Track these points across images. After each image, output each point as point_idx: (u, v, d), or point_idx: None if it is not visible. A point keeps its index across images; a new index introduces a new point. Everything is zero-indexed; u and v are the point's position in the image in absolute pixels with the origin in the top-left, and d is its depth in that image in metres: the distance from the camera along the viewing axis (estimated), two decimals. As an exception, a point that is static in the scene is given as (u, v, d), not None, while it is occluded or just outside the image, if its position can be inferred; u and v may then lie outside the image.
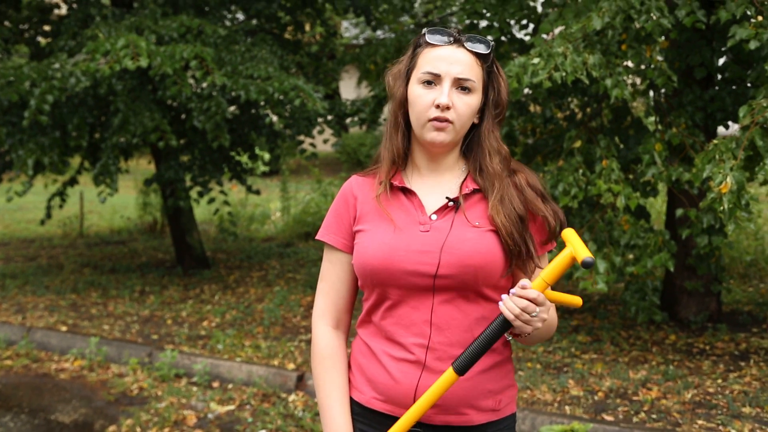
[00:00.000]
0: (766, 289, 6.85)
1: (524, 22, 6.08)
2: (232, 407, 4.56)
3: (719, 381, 4.58)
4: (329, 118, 7.11)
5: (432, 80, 1.62)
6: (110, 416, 4.45)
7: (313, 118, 6.97)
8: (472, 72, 1.62)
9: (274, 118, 7.46)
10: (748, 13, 4.28)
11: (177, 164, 7.11)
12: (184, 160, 7.43)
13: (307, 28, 8.98)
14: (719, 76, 5.32)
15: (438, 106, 1.59)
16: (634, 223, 4.77)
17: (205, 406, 4.58)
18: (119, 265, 8.43)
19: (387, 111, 1.80)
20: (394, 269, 1.59)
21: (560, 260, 1.48)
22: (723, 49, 5.12)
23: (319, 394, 1.70)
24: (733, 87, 5.18)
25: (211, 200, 7.61)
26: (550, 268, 1.49)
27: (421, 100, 1.62)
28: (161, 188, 7.91)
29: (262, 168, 11.02)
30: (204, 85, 6.31)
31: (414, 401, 1.60)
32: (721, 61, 5.32)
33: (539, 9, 5.96)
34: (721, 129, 8.62)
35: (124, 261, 8.78)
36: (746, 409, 4.15)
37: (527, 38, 6.13)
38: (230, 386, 4.90)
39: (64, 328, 6.02)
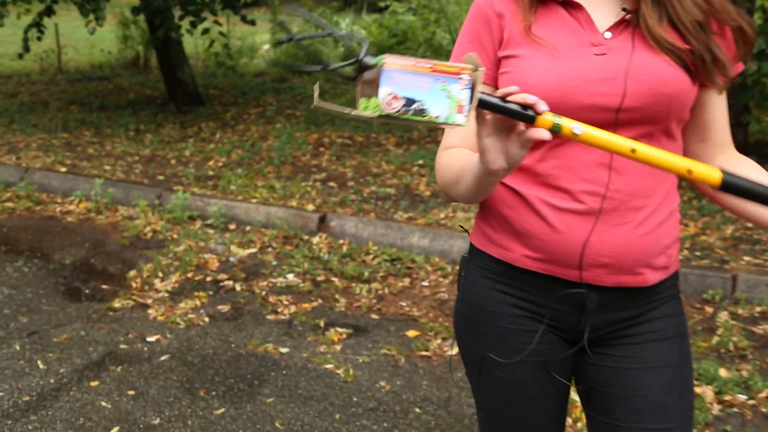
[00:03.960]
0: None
1: None
2: (253, 250, 4.34)
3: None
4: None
5: None
6: (128, 260, 4.20)
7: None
8: None
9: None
10: None
11: (166, -10, 6.45)
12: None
13: None
14: None
15: None
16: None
17: (226, 249, 4.35)
18: (108, 102, 7.93)
19: None
20: (567, 103, 1.24)
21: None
22: None
23: (453, 169, 1.34)
24: None
25: (206, 31, 7.02)
26: None
27: None
28: (148, 19, 7.27)
29: (245, -2, 10.27)
30: None
31: (581, 260, 1.31)
32: None
33: None
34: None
35: (112, 98, 8.27)
36: (791, 248, 4.01)
37: None
38: (248, 228, 4.65)
39: (63, 169, 5.65)
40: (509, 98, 1.05)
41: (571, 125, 1.06)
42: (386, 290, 3.83)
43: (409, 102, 0.97)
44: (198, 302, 3.68)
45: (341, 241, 4.43)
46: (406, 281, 3.94)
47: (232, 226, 4.69)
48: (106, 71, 10.15)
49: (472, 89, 1.00)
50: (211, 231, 4.60)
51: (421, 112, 0.98)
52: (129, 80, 9.39)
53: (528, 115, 1.04)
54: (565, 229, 1.30)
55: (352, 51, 1.02)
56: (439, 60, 1.00)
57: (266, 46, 11.05)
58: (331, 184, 5.33)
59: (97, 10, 6.00)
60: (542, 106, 1.04)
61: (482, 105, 1.02)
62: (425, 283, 3.92)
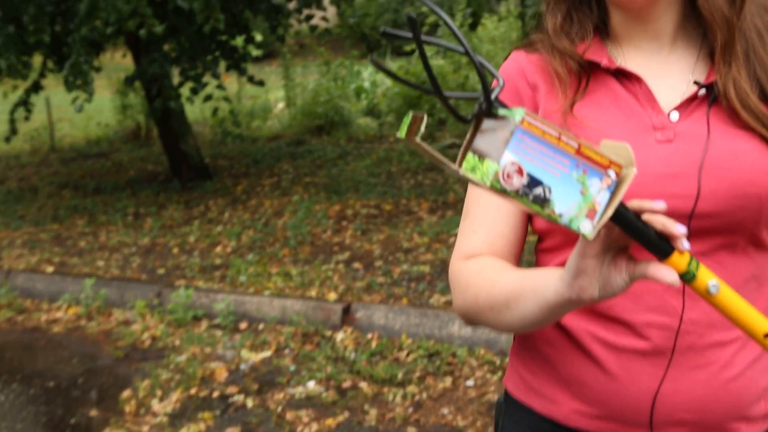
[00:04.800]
0: None
1: None
2: (268, 353, 4.20)
3: None
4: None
5: None
6: (122, 377, 4.07)
7: (323, -15, 6.30)
8: None
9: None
10: None
11: (161, 56, 6.51)
12: (169, 50, 6.81)
13: None
14: None
15: None
16: None
17: (236, 354, 4.20)
18: (104, 183, 7.97)
19: None
20: None
21: None
22: None
23: (495, 293, 1.11)
24: None
25: (208, 97, 7.05)
26: None
27: None
28: (145, 87, 7.34)
29: (255, 52, 10.38)
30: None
31: (651, 417, 1.12)
32: None
33: None
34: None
35: (109, 177, 8.32)
36: None
37: None
38: (261, 327, 4.52)
39: (50, 269, 5.61)
40: (647, 217, 0.88)
41: (709, 279, 0.90)
42: (424, 394, 3.64)
43: (533, 183, 0.82)
44: (203, 425, 3.52)
45: (369, 336, 4.27)
46: (448, 381, 3.75)
47: (242, 325, 4.56)
48: (103, 147, 10.28)
49: (613, 192, 0.84)
50: (218, 333, 4.47)
51: (543, 201, 0.82)
52: (129, 155, 9.48)
53: (662, 248, 0.88)
54: (626, 376, 1.12)
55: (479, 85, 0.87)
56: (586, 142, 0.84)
57: (281, 105, 11.11)
58: (356, 265, 5.20)
59: (85, 84, 6.04)
60: (686, 243, 0.88)
61: (616, 218, 0.86)
62: (470, 383, 3.74)
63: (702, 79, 1.13)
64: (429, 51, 10.70)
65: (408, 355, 4.04)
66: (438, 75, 9.73)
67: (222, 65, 7.17)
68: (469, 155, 0.82)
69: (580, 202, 0.83)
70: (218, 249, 5.76)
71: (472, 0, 5.79)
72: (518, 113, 0.81)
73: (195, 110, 10.90)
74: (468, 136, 0.85)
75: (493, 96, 0.83)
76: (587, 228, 0.83)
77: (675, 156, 1.08)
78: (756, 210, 1.07)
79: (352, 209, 6.46)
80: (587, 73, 1.16)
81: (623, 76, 1.15)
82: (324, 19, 6.94)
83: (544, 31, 1.21)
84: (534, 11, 4.76)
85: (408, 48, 11.33)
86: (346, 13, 6.85)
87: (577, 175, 0.82)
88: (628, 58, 1.17)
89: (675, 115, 1.11)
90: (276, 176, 7.78)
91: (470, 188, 1.23)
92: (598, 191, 0.83)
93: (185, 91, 7.27)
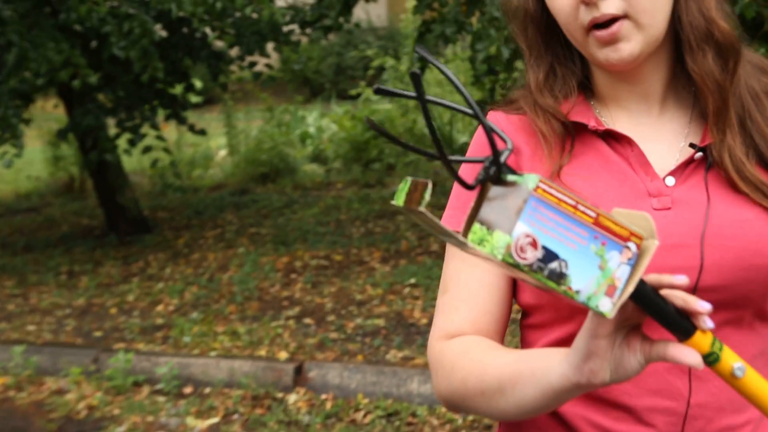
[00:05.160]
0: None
1: None
2: (215, 420, 4.06)
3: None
4: (292, 28, 6.40)
5: None
6: (57, 452, 3.88)
7: (265, 31, 6.26)
8: None
9: (211, 34, 6.72)
10: None
11: (96, 107, 6.40)
12: (104, 100, 6.69)
13: None
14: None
15: (585, 2, 1.02)
16: None
17: (180, 422, 4.06)
18: (35, 240, 7.74)
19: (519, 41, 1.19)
20: None
21: None
22: None
23: (486, 378, 1.03)
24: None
25: (147, 149, 6.92)
26: None
27: (558, 3, 1.06)
28: (79, 138, 7.18)
29: (195, 99, 10.28)
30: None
31: None
32: None
33: None
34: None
35: (41, 234, 8.08)
36: None
37: None
38: (208, 391, 4.38)
39: (-24, 335, 5.39)
40: (666, 293, 0.82)
41: (734, 361, 0.84)
42: (384, 460, 3.53)
43: (549, 257, 0.76)
44: (145, 504, 3.35)
45: (323, 396, 4.17)
46: (409, 443, 3.65)
47: (187, 390, 4.42)
48: (34, 201, 10.02)
49: (634, 267, 0.79)
50: (161, 399, 4.32)
51: (559, 276, 0.76)
52: (61, 209, 9.24)
53: (684, 327, 0.82)
54: None
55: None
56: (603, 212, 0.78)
57: (223, 152, 11.00)
58: (307, 320, 5.09)
59: (13, 138, 5.87)
60: (710, 321, 0.82)
61: (635, 295, 0.80)
62: (432, 444, 3.64)
63: (697, 141, 1.09)
64: (375, 95, 10.71)
65: (365, 416, 3.94)
66: (385, 119, 9.75)
67: (161, 114, 7.07)
68: (476, 226, 0.77)
69: (599, 278, 0.77)
70: (160, 308, 5.60)
71: (421, 45, 5.77)
72: (531, 180, 0.76)
73: (132, 160, 10.71)
74: (473, 204, 0.79)
75: (502, 159, 0.77)
76: (606, 306, 0.77)
77: (674, 225, 1.03)
78: (763, 282, 1.02)
79: (301, 261, 6.36)
80: (572, 134, 1.11)
81: (612, 138, 1.10)
82: (268, 66, 6.90)
83: (525, 88, 1.16)
84: (485, 55, 4.78)
85: (353, 92, 11.33)
86: (291, 59, 6.81)
87: (595, 248, 0.77)
88: (616, 120, 1.12)
89: (671, 180, 1.07)
90: (219, 228, 7.65)
91: (447, 260, 1.16)
92: (618, 265, 0.78)
93: (122, 142, 7.14)
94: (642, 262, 0.79)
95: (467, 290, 1.12)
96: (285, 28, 6.45)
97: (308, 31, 6.52)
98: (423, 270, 5.72)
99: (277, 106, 10.70)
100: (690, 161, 1.07)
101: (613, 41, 1.03)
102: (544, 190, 0.76)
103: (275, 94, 14.63)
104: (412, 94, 0.76)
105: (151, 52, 5.33)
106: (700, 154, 1.07)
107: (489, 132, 0.76)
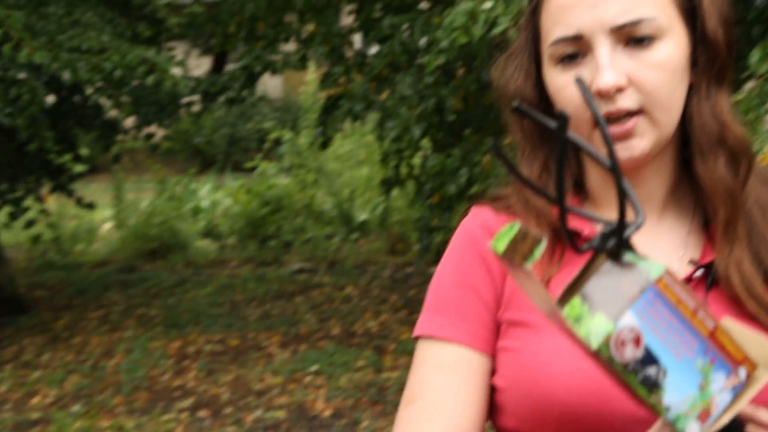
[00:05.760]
0: None
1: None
2: None
3: None
4: (193, 99, 6.22)
5: (574, 51, 1.00)
6: None
7: (165, 102, 6.07)
8: (644, 0, 0.99)
9: (107, 103, 6.49)
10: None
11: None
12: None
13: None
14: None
15: (600, 94, 0.97)
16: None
17: None
18: None
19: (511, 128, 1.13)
20: (607, 414, 0.95)
21: None
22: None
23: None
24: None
25: (30, 223, 6.55)
26: None
27: (567, 94, 1.00)
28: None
29: (79, 168, 9.88)
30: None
31: None
32: None
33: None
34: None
35: None
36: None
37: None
38: (90, 496, 4.02)
39: None
40: (752, 430, 0.77)
41: None
42: None
43: (648, 360, 0.68)
44: None
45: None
46: None
47: (66, 496, 4.04)
48: None
49: (736, 395, 0.72)
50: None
51: (653, 385, 0.68)
52: (-73, 285, 8.61)
53: None
54: None
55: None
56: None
57: (108, 225, 10.55)
58: (202, 413, 4.85)
59: None
60: None
61: (726, 428, 0.73)
62: None
63: (696, 256, 1.03)
64: (271, 168, 10.58)
65: None
66: (283, 194, 9.61)
67: (47, 186, 6.74)
68: (577, 300, 0.67)
69: (695, 398, 0.70)
70: (36, 400, 5.21)
71: (326, 120, 5.72)
72: (655, 269, 0.68)
73: (8, 232, 10.16)
74: (578, 272, 0.70)
75: (627, 234, 0.69)
76: None
77: None
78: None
79: (195, 345, 6.07)
80: (563, 239, 1.03)
81: None
82: (168, 137, 6.69)
83: (516, 184, 1.08)
84: (395, 134, 4.73)
85: (248, 165, 11.16)
86: (191, 131, 6.63)
87: (702, 364, 0.70)
88: None
89: None
90: (104, 308, 7.26)
91: (417, 366, 1.07)
92: (720, 390, 0.71)
93: (1, 215, 6.75)
94: (747, 392, 0.71)
95: (443, 402, 1.03)
96: (185, 99, 6.29)
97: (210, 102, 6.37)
98: (325, 356, 5.57)
99: (169, 177, 10.40)
100: (689, 279, 1.02)
101: (626, 137, 0.98)
102: (667, 285, 0.69)
103: (165, 164, 14.29)
104: (552, 123, 0.68)
105: (39, 120, 5.06)
106: (700, 271, 1.02)
107: (622, 195, 0.68)
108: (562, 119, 0.63)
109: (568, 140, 0.62)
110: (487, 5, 3.77)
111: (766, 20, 4.40)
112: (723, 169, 1.01)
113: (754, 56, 3.55)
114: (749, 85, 3.91)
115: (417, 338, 1.08)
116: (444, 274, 1.10)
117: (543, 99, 1.06)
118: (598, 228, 0.69)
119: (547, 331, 0.98)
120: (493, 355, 1.05)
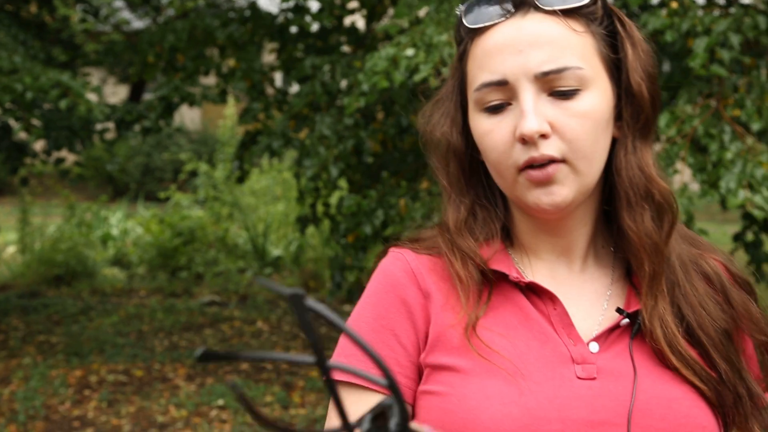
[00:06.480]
0: None
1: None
2: None
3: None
4: (108, 125, 6.15)
5: (500, 100, 1.01)
6: None
7: (77, 127, 5.98)
8: (570, 50, 1.00)
9: (16, 125, 6.35)
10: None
11: None
12: None
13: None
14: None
15: (524, 140, 0.98)
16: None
17: None
18: None
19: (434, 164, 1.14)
20: None
21: None
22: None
23: None
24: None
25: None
26: None
27: (491, 139, 1.02)
28: None
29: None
30: None
31: None
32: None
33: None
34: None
35: None
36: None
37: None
38: None
39: None
40: None
41: None
42: None
43: None
44: None
45: None
46: None
47: None
48: None
49: None
50: None
51: None
52: None
53: None
54: None
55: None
56: None
57: (11, 249, 10.26)
58: (101, 445, 4.71)
59: None
60: None
61: None
62: None
63: (621, 305, 1.05)
64: (186, 200, 10.49)
65: None
66: (197, 226, 9.53)
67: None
68: None
69: None
70: (-75, 426, 5.00)
71: (244, 154, 5.75)
72: None
73: None
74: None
75: (392, 428, 0.54)
76: None
77: (600, 398, 0.98)
78: None
79: (97, 375, 5.93)
80: (491, 283, 1.05)
81: (533, 293, 1.05)
82: (78, 163, 6.59)
83: (439, 226, 1.10)
84: (313, 173, 4.80)
85: (162, 195, 11.03)
86: (104, 158, 6.55)
87: None
88: (536, 273, 1.07)
89: (594, 347, 1.02)
90: (2, 334, 7.03)
91: (332, 408, 1.07)
92: None
93: None
94: None
95: None
96: (99, 126, 6.21)
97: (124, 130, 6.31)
98: (231, 391, 5.50)
99: (79, 203, 10.20)
100: (615, 327, 1.03)
101: (547, 182, 0.98)
102: None
103: (76, 190, 14.00)
104: (288, 291, 0.53)
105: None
106: (626, 320, 1.03)
107: (398, 396, 0.54)
108: (297, 297, 0.51)
109: (307, 310, 0.51)
110: (409, 52, 3.90)
111: (672, 86, 4.67)
112: (649, 223, 1.02)
113: (662, 120, 3.79)
114: (657, 147, 4.15)
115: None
116: (361, 317, 1.07)
117: (469, 145, 1.07)
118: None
119: (476, 376, 0.98)
120: (411, 401, 1.03)
